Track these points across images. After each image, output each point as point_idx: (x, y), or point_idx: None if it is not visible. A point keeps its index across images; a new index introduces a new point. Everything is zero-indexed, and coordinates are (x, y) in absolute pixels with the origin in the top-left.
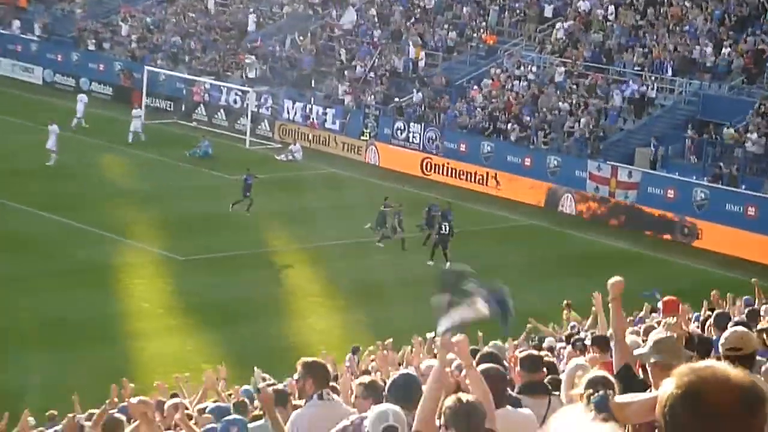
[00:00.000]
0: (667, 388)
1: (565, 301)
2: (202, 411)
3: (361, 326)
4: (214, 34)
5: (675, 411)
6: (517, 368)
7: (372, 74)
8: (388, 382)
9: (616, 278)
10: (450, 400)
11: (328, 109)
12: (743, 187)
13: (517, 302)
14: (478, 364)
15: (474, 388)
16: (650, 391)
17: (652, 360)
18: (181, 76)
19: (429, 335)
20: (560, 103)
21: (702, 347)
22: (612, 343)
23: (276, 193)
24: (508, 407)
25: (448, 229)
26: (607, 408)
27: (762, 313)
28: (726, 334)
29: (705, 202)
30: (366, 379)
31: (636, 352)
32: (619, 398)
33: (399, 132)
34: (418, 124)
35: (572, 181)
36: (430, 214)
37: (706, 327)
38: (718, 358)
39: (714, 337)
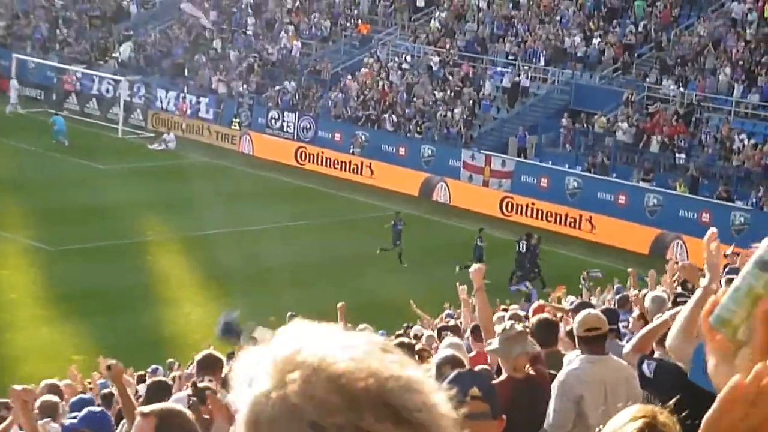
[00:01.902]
0: None
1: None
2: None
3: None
4: (86, 22)
5: None
6: None
7: (245, 63)
8: None
9: (476, 265)
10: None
11: (201, 99)
12: (614, 175)
13: (392, 289)
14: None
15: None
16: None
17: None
18: (51, 64)
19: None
20: (435, 93)
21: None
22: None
23: (150, 183)
24: None
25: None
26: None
27: (632, 299)
28: (580, 316)
29: (578, 191)
30: None
31: (487, 349)
32: None
33: (273, 121)
34: (293, 114)
35: (446, 170)
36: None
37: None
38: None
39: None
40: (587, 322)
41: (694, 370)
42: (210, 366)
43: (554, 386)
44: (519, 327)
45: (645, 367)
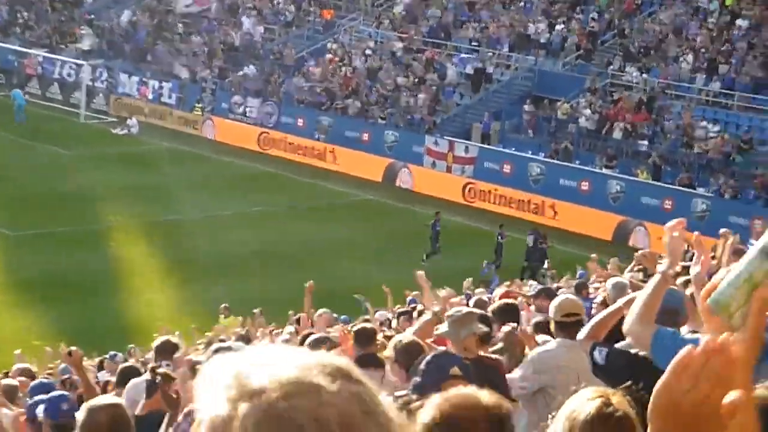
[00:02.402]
0: (425, 417)
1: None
2: None
3: (200, 301)
4: (47, 5)
5: None
6: (350, 342)
7: (208, 48)
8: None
9: (418, 273)
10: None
11: (164, 83)
12: (577, 162)
13: (356, 275)
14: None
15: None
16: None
17: (459, 337)
18: (12, 48)
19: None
20: (398, 79)
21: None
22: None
23: (113, 168)
24: None
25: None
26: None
27: (595, 286)
28: (557, 301)
29: (540, 177)
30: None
31: (436, 332)
32: None
33: (236, 106)
34: (256, 99)
35: (409, 156)
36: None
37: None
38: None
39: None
40: (565, 307)
41: (658, 355)
42: (167, 351)
43: (526, 360)
44: (465, 309)
45: (597, 354)
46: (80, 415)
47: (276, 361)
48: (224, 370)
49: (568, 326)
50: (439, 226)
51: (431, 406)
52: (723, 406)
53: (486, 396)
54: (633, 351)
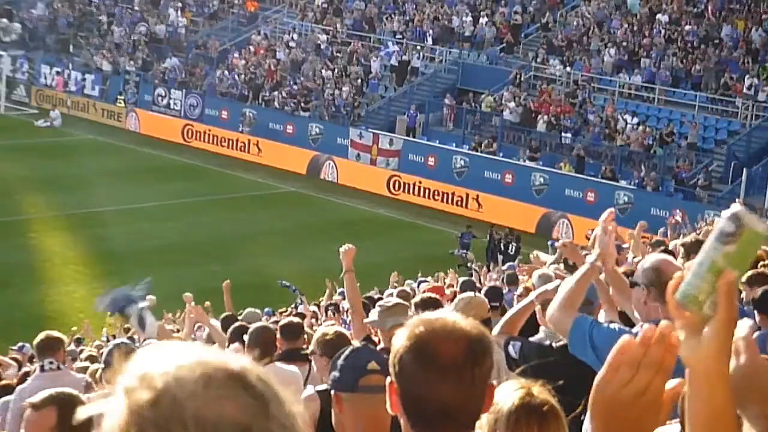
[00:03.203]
0: (399, 339)
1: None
2: None
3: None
4: None
5: (405, 362)
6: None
7: (132, 39)
8: None
9: (346, 246)
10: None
11: (87, 75)
12: (501, 155)
13: (281, 268)
14: None
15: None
16: None
17: (385, 326)
18: None
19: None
20: (322, 71)
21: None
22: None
23: (35, 160)
24: (276, 363)
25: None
26: None
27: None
28: (460, 299)
29: (465, 170)
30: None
31: (365, 321)
32: None
33: (160, 98)
34: (179, 91)
35: (334, 148)
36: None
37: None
38: None
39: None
40: (472, 307)
41: (574, 343)
42: (50, 347)
43: None
44: (396, 299)
45: (511, 348)
46: None
47: (172, 359)
48: (125, 367)
49: (484, 323)
50: (468, 239)
51: (405, 329)
52: (666, 393)
53: (467, 323)
54: (546, 342)
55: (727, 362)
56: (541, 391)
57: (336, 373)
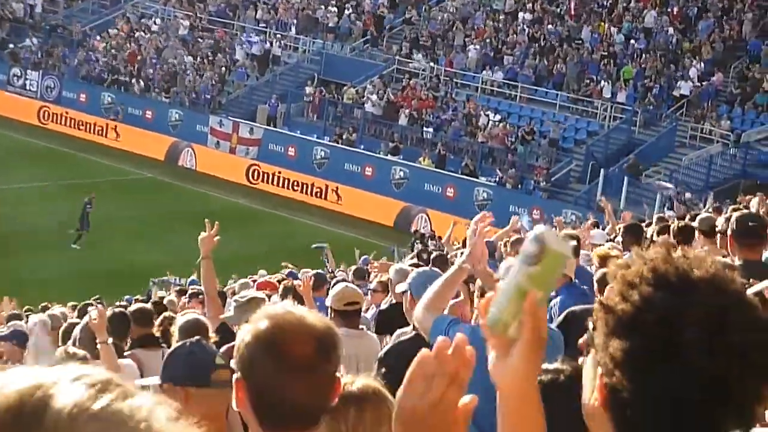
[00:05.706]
0: (246, 335)
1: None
2: None
3: None
4: None
5: (255, 361)
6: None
7: None
8: None
9: (204, 234)
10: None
11: None
12: (361, 147)
13: (137, 254)
14: None
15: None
16: None
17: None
18: None
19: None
20: (184, 57)
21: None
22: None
23: None
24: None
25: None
26: None
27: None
28: (337, 290)
29: (325, 161)
30: None
31: (221, 316)
32: None
33: (15, 79)
34: (36, 72)
35: (193, 135)
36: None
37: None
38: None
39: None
40: (346, 296)
41: (434, 340)
42: None
43: None
44: (252, 294)
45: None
46: None
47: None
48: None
49: (350, 315)
50: (90, 208)
51: (251, 326)
52: (459, 409)
53: (314, 317)
54: (404, 338)
55: (535, 383)
56: (379, 389)
57: (181, 367)
